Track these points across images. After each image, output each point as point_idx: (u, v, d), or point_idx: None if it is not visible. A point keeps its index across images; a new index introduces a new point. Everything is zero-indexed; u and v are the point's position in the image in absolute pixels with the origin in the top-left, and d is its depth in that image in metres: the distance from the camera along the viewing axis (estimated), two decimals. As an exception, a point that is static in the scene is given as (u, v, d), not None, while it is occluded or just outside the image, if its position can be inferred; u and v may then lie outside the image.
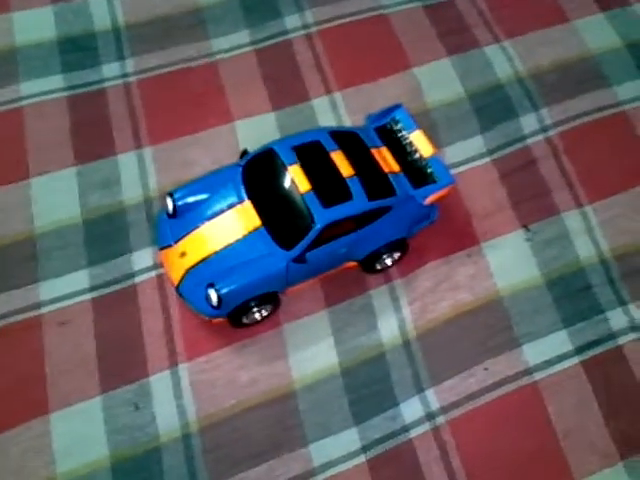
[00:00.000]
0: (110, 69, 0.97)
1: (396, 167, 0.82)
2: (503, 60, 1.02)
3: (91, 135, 0.92)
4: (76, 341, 0.79)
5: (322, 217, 0.74)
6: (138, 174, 0.89)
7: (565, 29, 1.06)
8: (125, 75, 0.97)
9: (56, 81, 0.95)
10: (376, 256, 0.81)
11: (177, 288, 0.77)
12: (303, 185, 0.75)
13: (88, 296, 0.81)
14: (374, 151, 0.82)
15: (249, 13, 1.04)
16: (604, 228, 0.89)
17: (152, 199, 0.88)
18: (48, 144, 0.90)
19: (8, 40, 0.98)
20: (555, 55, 1.03)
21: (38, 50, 0.97)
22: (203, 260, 0.76)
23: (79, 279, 0.82)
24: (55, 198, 0.86)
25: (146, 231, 0.85)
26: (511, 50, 1.03)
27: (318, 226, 0.74)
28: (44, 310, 0.80)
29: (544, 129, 0.96)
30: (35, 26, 0.99)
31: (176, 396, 0.76)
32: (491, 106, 0.97)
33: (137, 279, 0.82)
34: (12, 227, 0.84)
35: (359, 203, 0.76)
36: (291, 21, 1.04)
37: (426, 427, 0.77)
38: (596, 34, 1.05)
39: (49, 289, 0.81)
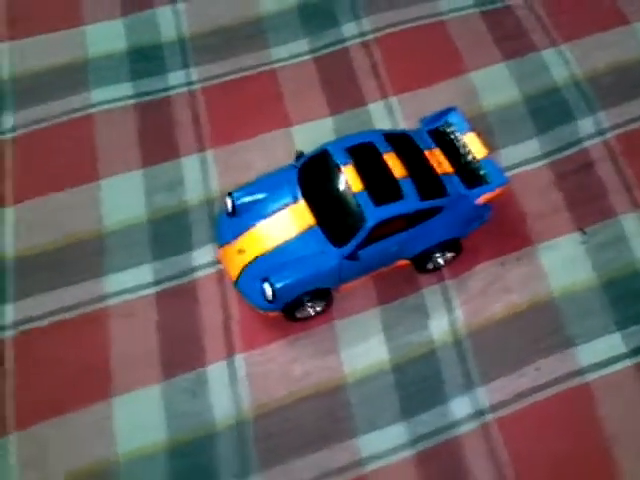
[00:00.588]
0: (175, 77, 1.02)
1: (449, 168, 0.83)
2: (560, 63, 1.02)
3: (157, 139, 0.97)
4: (139, 332, 0.83)
5: (373, 215, 0.76)
6: (201, 176, 0.93)
7: (624, 31, 1.05)
8: (190, 83, 1.02)
9: (125, 89, 1.01)
10: (428, 255, 0.82)
11: (235, 283, 0.80)
12: (356, 185, 0.78)
13: (152, 290, 0.85)
14: (427, 153, 0.83)
15: (307, 22, 1.08)
16: (662, 231, 0.88)
17: (213, 200, 0.92)
18: (116, 148, 0.96)
19: (81, 52, 1.05)
20: (612, 58, 1.02)
21: (109, 60, 1.03)
22: (259, 256, 0.80)
23: (143, 274, 0.87)
24: (122, 199, 0.92)
25: (207, 229, 0.89)
26: (568, 53, 1.03)
27: (369, 224, 0.76)
28: (110, 302, 0.85)
29: (601, 132, 0.95)
30: (106, 38, 1.05)
31: (232, 385, 0.80)
32: (547, 109, 0.98)
33: (198, 274, 0.87)
34: (82, 225, 0.90)
35: (410, 202, 0.77)
36: (348, 29, 1.07)
37: (475, 424, 0.78)
38: (656, 35, 1.04)
39: (114, 283, 0.86)
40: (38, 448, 0.77)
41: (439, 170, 0.82)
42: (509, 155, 0.95)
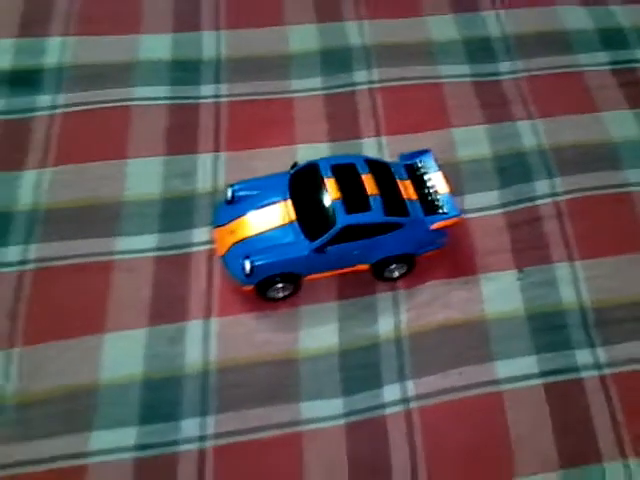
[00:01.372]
0: (207, 89, 1.21)
1: (414, 196, 1.00)
2: (531, 134, 1.19)
3: (181, 136, 1.14)
4: (136, 285, 0.99)
5: (343, 219, 0.93)
6: (211, 171, 1.11)
7: (592, 118, 1.22)
8: (217, 96, 1.20)
9: (162, 91, 1.19)
10: (385, 264, 0.98)
11: (222, 257, 0.97)
12: (334, 194, 0.95)
13: (153, 254, 1.02)
14: (399, 181, 1.00)
15: (326, 65, 1.27)
16: (588, 282, 1.03)
17: (218, 192, 1.09)
18: (146, 137, 1.13)
19: (133, 55, 1.24)
20: (577, 137, 1.19)
21: (154, 65, 1.22)
22: (246, 238, 0.96)
23: (149, 241, 1.03)
24: (144, 177, 1.09)
25: (208, 214, 1.06)
26: (540, 127, 1.20)
27: (338, 226, 0.93)
28: (116, 258, 1.01)
29: (554, 195, 1.12)
30: (156, 47, 1.24)
31: (204, 340, 0.95)
32: (511, 169, 1.14)
33: (193, 249, 1.03)
34: (106, 192, 1.07)
35: (375, 215, 0.94)
36: (359, 76, 1.25)
37: (400, 408, 0.92)
38: (620, 125, 1.21)
39: (123, 243, 1.02)
40: (36, 363, 0.92)
41: (405, 196, 0.99)
42: (472, 201, 1.11)
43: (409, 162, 1.05)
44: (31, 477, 0.85)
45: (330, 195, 0.95)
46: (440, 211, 0.99)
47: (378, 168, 1.00)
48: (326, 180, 0.96)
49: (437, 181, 1.02)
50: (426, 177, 1.02)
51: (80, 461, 0.86)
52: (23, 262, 0.99)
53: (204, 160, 1.12)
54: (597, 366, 0.96)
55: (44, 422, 0.88)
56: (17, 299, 0.96)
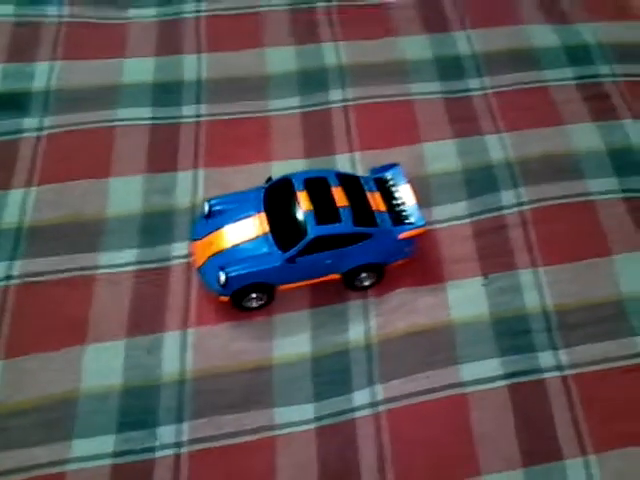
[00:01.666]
0: (188, 109, 1.26)
1: (383, 208, 1.04)
2: (498, 147, 1.24)
3: (161, 155, 1.19)
4: (117, 298, 1.03)
5: (314, 230, 0.97)
6: (190, 188, 1.16)
7: (557, 130, 1.27)
8: (198, 116, 1.26)
9: (145, 112, 1.24)
10: (356, 273, 1.03)
11: (199, 269, 1.01)
12: (305, 206, 1.00)
13: (133, 267, 1.06)
14: (368, 194, 1.05)
15: (303, 85, 1.32)
16: (551, 287, 1.07)
17: (197, 207, 1.13)
18: (128, 155, 1.18)
19: (117, 78, 1.29)
20: (543, 149, 1.24)
21: (137, 87, 1.27)
22: (222, 251, 1.01)
23: (129, 255, 1.07)
24: (125, 194, 1.14)
25: (187, 229, 1.11)
26: (507, 140, 1.25)
27: (310, 236, 0.97)
28: (98, 272, 1.05)
29: (519, 204, 1.16)
30: (139, 70, 1.30)
31: (181, 351, 0.99)
32: (479, 180, 1.19)
33: (172, 262, 1.07)
34: (88, 209, 1.12)
35: (345, 226, 0.99)
36: (334, 94, 1.30)
37: (369, 411, 0.96)
38: (583, 138, 1.26)
39: (105, 258, 1.07)
40: (18, 375, 0.96)
41: (374, 207, 1.03)
42: (441, 211, 1.16)
43: (378, 175, 1.09)
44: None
45: (302, 207, 1.00)
46: (407, 221, 1.04)
47: (348, 181, 1.05)
48: (298, 193, 1.01)
49: (405, 193, 1.06)
50: (394, 189, 1.07)
51: (59, 468, 0.90)
52: (8, 277, 1.04)
53: (184, 177, 1.17)
54: (559, 367, 1.00)
55: (25, 431, 0.92)
56: (1, 313, 1.01)
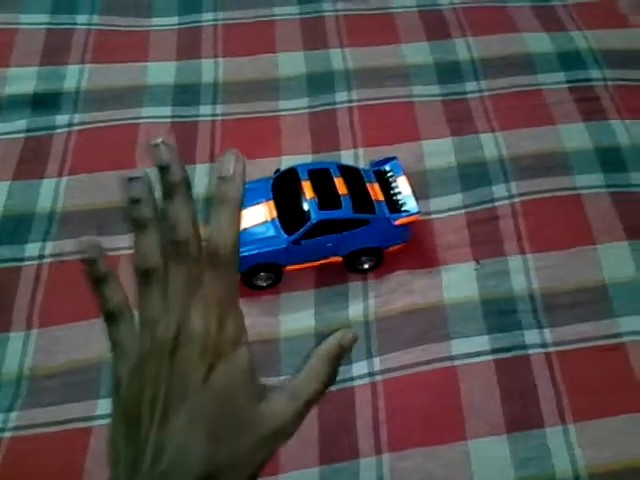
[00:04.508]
0: (205, 109, 1.37)
1: (381, 197, 1.14)
2: (492, 145, 1.33)
3: (180, 149, 1.23)
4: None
5: (317, 215, 1.07)
6: (207, 180, 1.26)
7: (548, 130, 1.36)
8: (214, 115, 1.36)
9: (166, 111, 1.35)
10: (356, 257, 1.12)
11: (213, 250, 1.11)
12: (309, 194, 1.10)
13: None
14: (368, 184, 1.15)
15: (311, 87, 1.42)
16: (538, 272, 1.16)
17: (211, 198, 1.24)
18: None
19: (141, 80, 1.41)
20: (535, 147, 1.33)
21: (159, 89, 1.38)
22: (234, 234, 1.11)
23: (150, 239, 1.18)
24: (147, 184, 1.24)
25: (202, 217, 1.21)
26: (501, 139, 1.34)
27: (313, 221, 1.07)
28: (123, 252, 1.16)
29: (510, 197, 1.25)
30: (161, 73, 1.41)
31: (196, 323, 1.09)
32: (473, 175, 1.28)
33: (189, 246, 1.17)
34: (114, 197, 1.22)
35: (346, 212, 1.08)
36: (340, 96, 1.40)
37: (366, 380, 1.05)
38: (573, 137, 1.34)
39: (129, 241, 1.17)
40: (50, 342, 1.07)
41: (373, 196, 1.13)
42: (438, 203, 1.25)
43: (378, 168, 1.19)
44: (45, 437, 0.99)
45: (306, 195, 1.10)
46: (403, 209, 1.13)
47: (349, 172, 1.15)
48: (303, 182, 1.11)
49: (401, 184, 1.16)
50: (392, 180, 1.17)
51: (87, 423, 1.00)
52: (41, 257, 1.15)
53: (201, 170, 1.28)
54: (543, 345, 1.09)
55: (58, 391, 1.03)
56: (35, 288, 1.12)
